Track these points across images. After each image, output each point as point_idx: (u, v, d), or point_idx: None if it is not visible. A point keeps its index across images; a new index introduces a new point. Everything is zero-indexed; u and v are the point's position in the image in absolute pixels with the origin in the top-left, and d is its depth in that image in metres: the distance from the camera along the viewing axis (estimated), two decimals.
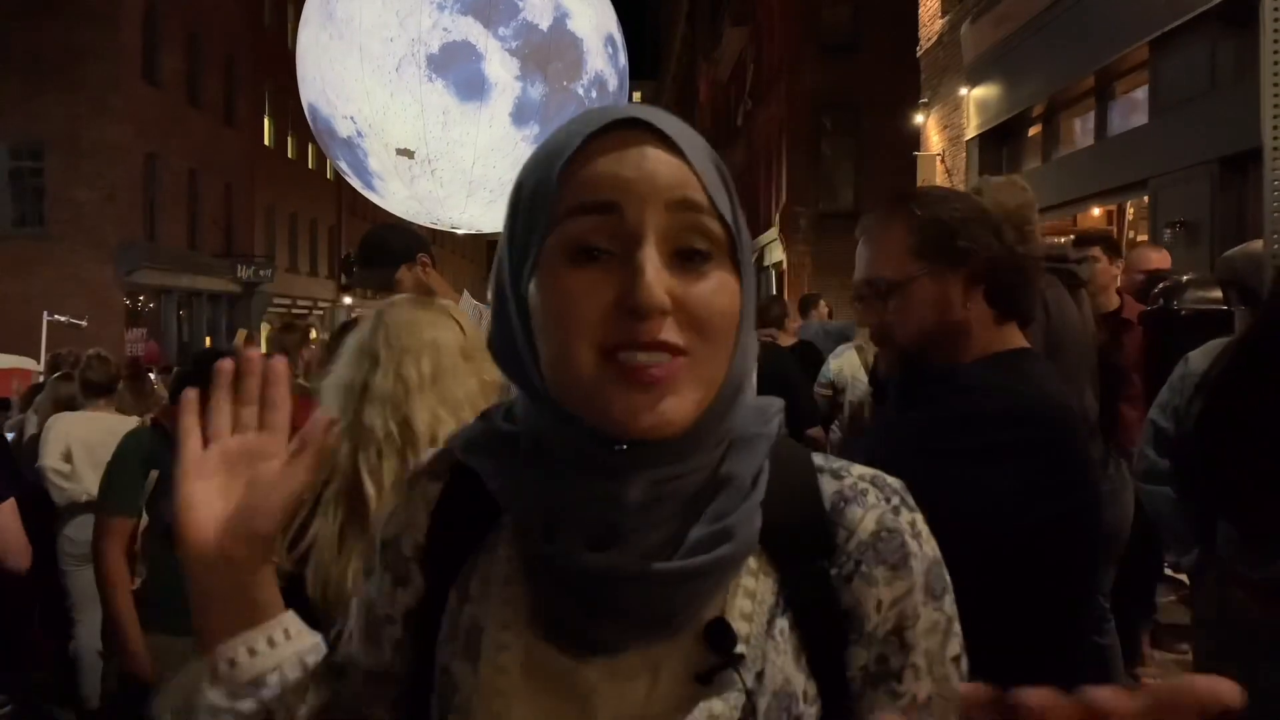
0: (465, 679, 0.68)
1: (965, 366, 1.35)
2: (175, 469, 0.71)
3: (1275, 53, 2.31)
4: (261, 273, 24.63)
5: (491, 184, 5.33)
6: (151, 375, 6.03)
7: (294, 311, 26.05)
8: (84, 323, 12.14)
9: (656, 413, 0.60)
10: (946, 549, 1.17)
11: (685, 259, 0.62)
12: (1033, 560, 1.22)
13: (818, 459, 0.72)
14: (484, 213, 5.57)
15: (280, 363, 0.74)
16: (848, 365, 4.45)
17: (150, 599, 2.64)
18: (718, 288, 0.62)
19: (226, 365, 0.72)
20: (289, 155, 29.17)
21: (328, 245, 32.13)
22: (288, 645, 0.72)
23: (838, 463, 0.72)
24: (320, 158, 31.26)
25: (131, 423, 4.12)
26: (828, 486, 0.70)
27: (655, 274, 0.59)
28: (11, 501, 2.75)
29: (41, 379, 7.92)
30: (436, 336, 1.53)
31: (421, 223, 4.90)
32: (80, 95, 19.14)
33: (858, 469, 0.72)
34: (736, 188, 0.68)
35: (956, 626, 0.70)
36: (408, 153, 5.19)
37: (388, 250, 2.87)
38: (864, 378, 4.32)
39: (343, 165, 5.75)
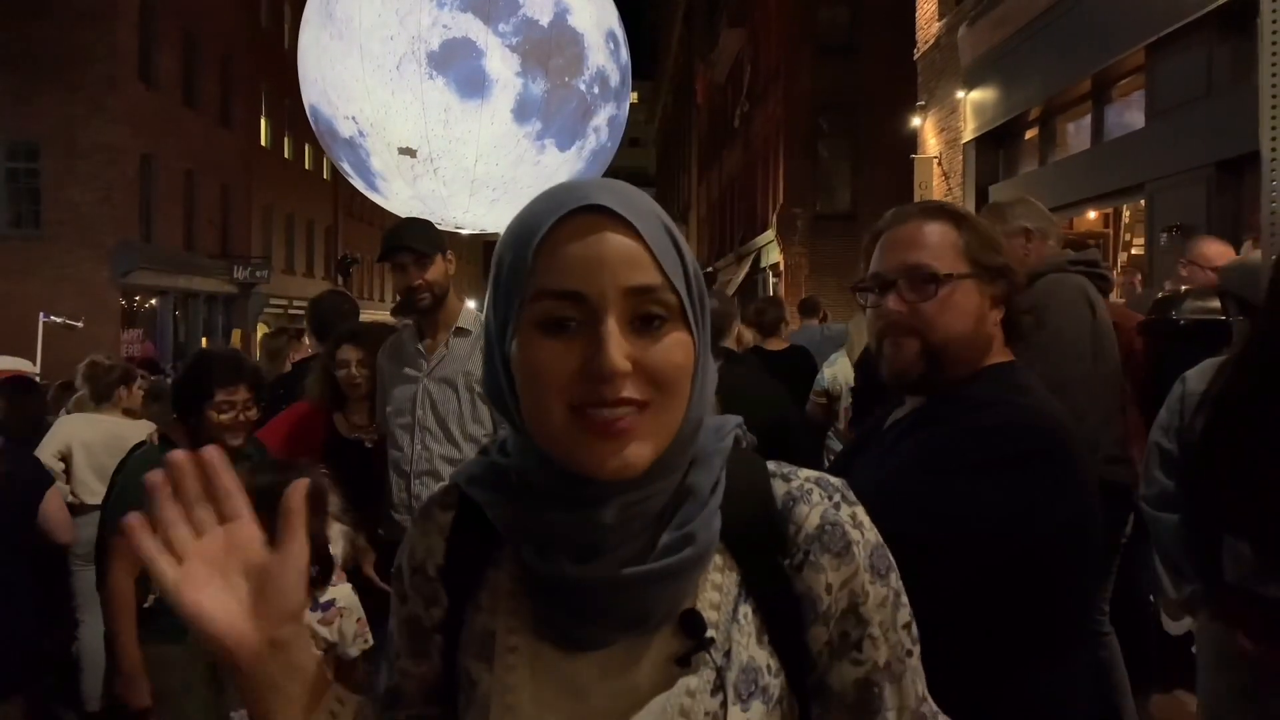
0: (481, 678, 0.79)
1: (968, 384, 1.36)
2: (166, 597, 0.69)
3: (1274, 62, 2.32)
4: (258, 273, 24.59)
5: (494, 182, 5.30)
6: (165, 378, 6.03)
7: (290, 312, 26.01)
8: (79, 323, 12.11)
9: (620, 458, 0.70)
10: (955, 561, 1.18)
11: (644, 323, 0.72)
12: (1038, 571, 1.23)
13: (771, 465, 0.83)
14: (487, 212, 5.54)
15: (213, 451, 0.72)
16: (841, 373, 4.44)
17: (160, 610, 2.64)
18: (673, 346, 0.72)
19: (157, 478, 0.70)
20: (286, 156, 29.12)
21: (324, 246, 32.08)
22: (345, 710, 0.80)
23: (787, 468, 0.83)
24: (317, 158, 31.22)
25: (133, 426, 4.13)
26: (779, 489, 0.81)
27: (616, 344, 0.69)
28: (54, 486, 2.97)
29: (37, 379, 7.89)
30: None
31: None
32: (76, 96, 19.09)
33: (805, 472, 0.83)
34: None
35: (903, 598, 0.81)
36: (410, 151, 5.17)
37: (433, 232, 2.91)
38: None
39: (345, 166, 5.72)
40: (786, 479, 0.81)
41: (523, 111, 5.09)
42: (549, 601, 0.76)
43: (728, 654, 0.75)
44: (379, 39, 4.93)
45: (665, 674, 0.75)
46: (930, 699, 0.83)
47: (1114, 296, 4.01)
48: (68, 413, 4.91)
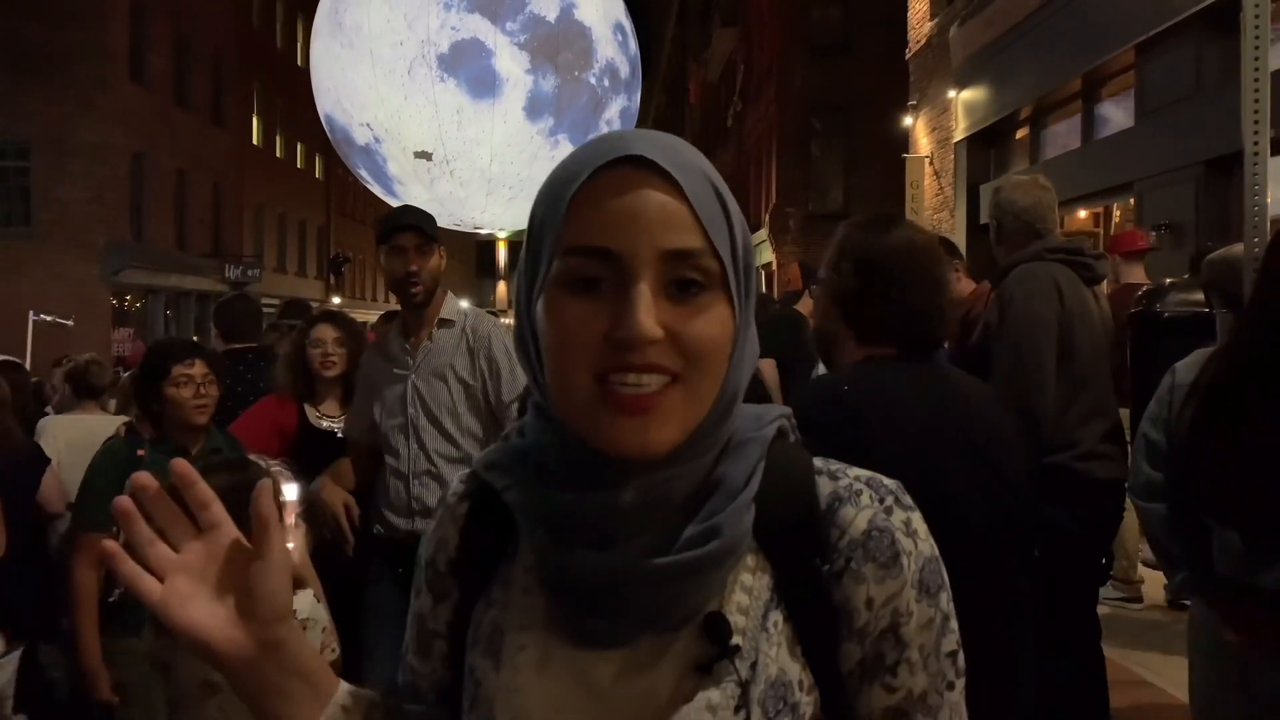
0: (487, 676, 0.73)
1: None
2: (152, 614, 0.67)
3: (1256, 58, 2.34)
4: (250, 272, 24.52)
5: (510, 180, 5.32)
6: None
7: None
8: (70, 322, 12.06)
9: (642, 437, 0.65)
10: None
11: (680, 289, 0.66)
12: None
13: (818, 462, 0.75)
14: (504, 211, 5.57)
15: (182, 463, 0.70)
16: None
17: (128, 605, 2.63)
18: (710, 318, 0.66)
19: (125, 504, 0.67)
20: (278, 155, 29.06)
21: (316, 245, 32.02)
22: (357, 707, 0.75)
23: (836, 465, 0.75)
24: (309, 157, 31.15)
25: (110, 422, 4.13)
26: (824, 488, 0.73)
27: (646, 308, 0.63)
28: (52, 465, 3.31)
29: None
30: None
31: (442, 224, 5.00)
32: (67, 94, 19.01)
33: (855, 471, 0.75)
34: (728, 189, 0.71)
35: (952, 623, 0.73)
36: (425, 155, 5.18)
37: (435, 223, 2.81)
38: None
39: (362, 173, 5.74)
40: (834, 477, 0.74)
41: (534, 108, 5.11)
42: (564, 592, 0.70)
43: (754, 666, 0.68)
44: (388, 44, 4.96)
45: (685, 681, 0.68)
46: None
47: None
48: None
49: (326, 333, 3.08)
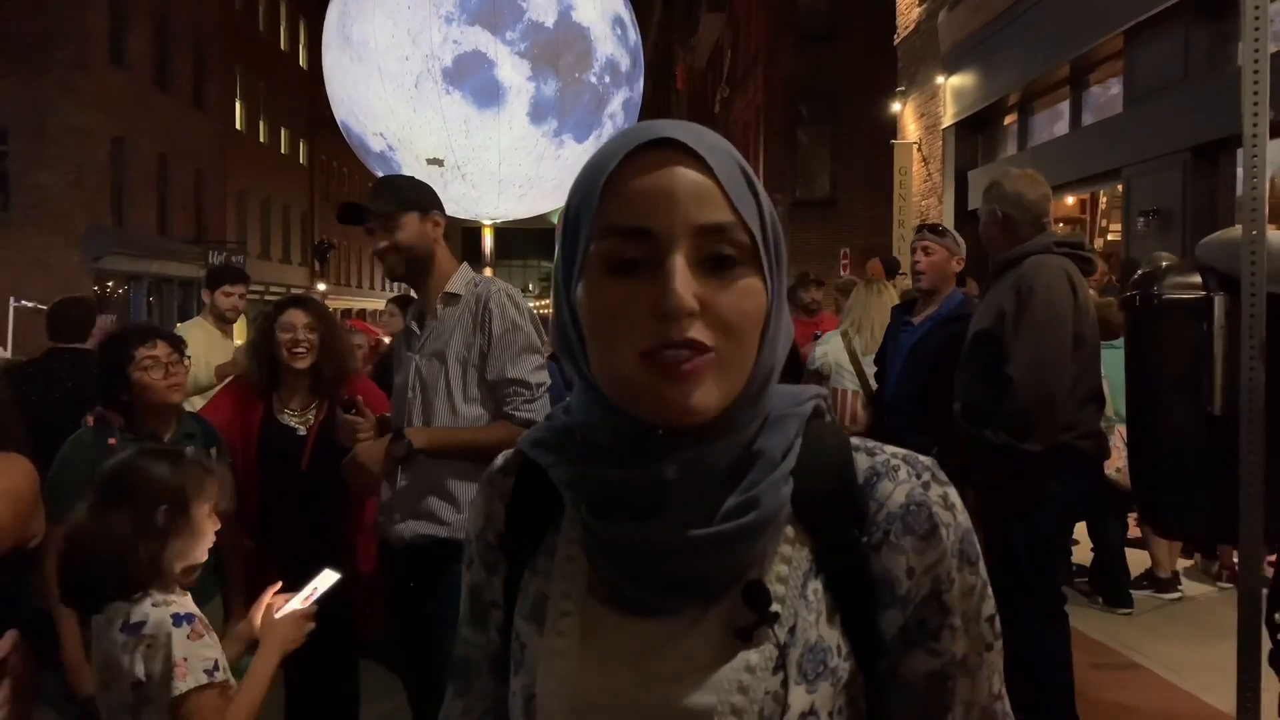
0: (532, 641, 0.77)
1: None
2: None
3: (1255, 40, 2.33)
4: (233, 259, 24.31)
5: (519, 180, 5.49)
6: None
7: (266, 298, 25.78)
8: None
9: (685, 404, 0.67)
10: None
11: (714, 264, 0.69)
12: None
13: (854, 440, 0.79)
14: (516, 205, 5.76)
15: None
16: (832, 352, 4.43)
17: None
18: (744, 291, 0.69)
19: None
20: (261, 140, 28.77)
21: (300, 231, 31.78)
22: None
23: (872, 443, 0.79)
24: (293, 142, 30.88)
25: None
26: (861, 463, 0.77)
27: (683, 282, 0.66)
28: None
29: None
30: None
31: (460, 218, 5.12)
32: (45, 78, 18.75)
33: (890, 448, 0.78)
34: (753, 171, 0.75)
35: (989, 590, 0.77)
36: (438, 161, 5.32)
37: (407, 189, 2.56)
38: (848, 365, 4.31)
39: (380, 175, 5.88)
40: (871, 453, 0.77)
41: (538, 113, 5.28)
42: (607, 563, 0.73)
43: (792, 631, 0.72)
44: (395, 59, 5.16)
45: (725, 647, 0.71)
46: (1005, 697, 0.79)
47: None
48: None
49: (297, 318, 2.86)
